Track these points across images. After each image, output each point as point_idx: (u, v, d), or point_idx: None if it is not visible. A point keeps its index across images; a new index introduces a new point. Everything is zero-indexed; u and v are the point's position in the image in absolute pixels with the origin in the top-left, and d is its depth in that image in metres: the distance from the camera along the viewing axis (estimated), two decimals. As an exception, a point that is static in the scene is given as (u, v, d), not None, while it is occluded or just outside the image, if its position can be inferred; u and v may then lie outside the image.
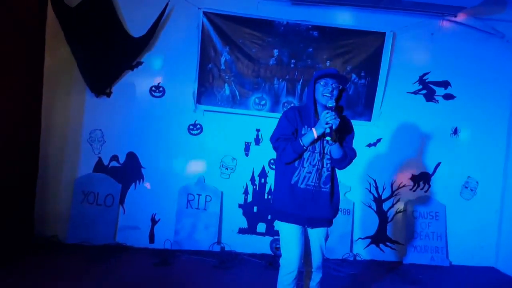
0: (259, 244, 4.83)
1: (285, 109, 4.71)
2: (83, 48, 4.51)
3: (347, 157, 2.78)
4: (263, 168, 4.90)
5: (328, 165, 2.79)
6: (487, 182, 5.10)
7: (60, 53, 4.57)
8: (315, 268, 2.92)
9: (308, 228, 2.85)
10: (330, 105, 2.63)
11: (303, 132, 2.73)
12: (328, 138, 2.59)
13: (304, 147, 2.68)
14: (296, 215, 2.77)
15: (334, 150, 2.71)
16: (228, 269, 4.27)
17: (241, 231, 4.91)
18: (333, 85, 2.71)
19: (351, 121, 2.95)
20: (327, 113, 2.57)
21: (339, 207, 2.93)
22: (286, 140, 2.73)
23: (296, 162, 2.75)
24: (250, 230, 4.91)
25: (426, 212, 5.02)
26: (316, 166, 2.75)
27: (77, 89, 4.67)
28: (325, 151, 2.77)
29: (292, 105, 4.75)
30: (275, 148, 2.80)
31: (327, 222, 2.87)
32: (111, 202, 4.74)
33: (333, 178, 2.83)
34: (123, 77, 4.72)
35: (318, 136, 2.65)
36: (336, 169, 2.87)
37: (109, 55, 4.57)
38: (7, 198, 3.91)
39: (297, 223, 2.78)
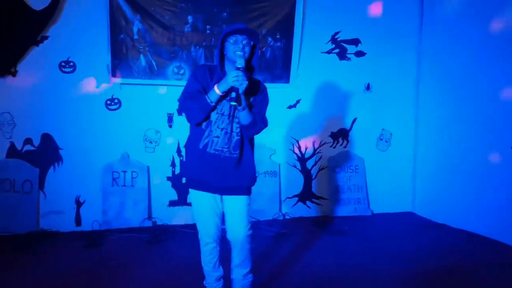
0: (191, 215, 4.82)
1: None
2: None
3: (256, 125, 2.57)
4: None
5: (238, 129, 2.58)
6: (400, 132, 5.47)
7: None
8: (236, 242, 2.67)
9: (223, 197, 2.66)
10: (239, 66, 2.41)
11: (210, 91, 2.51)
12: (232, 103, 2.40)
13: (212, 103, 2.46)
14: (206, 183, 2.59)
15: (241, 115, 2.49)
16: (161, 242, 4.24)
17: (172, 203, 4.88)
18: (243, 41, 2.50)
19: (268, 85, 2.74)
20: (235, 75, 2.36)
21: (256, 173, 2.71)
22: (192, 98, 2.50)
23: (204, 125, 2.55)
24: (181, 201, 4.89)
25: (347, 166, 5.29)
26: (225, 130, 2.54)
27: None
28: (236, 115, 2.54)
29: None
30: (181, 108, 2.58)
31: (243, 190, 2.65)
32: (30, 188, 4.49)
33: (243, 144, 2.62)
34: (28, 54, 4.40)
35: (222, 94, 2.46)
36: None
37: (10, 31, 4.22)
38: None
39: (209, 191, 2.61)
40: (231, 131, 2.56)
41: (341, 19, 5.13)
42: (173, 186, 4.88)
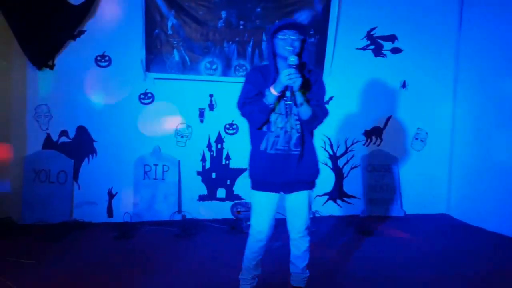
0: (220, 210, 4.85)
1: (237, 73, 4.71)
2: (20, 20, 4.25)
3: (317, 117, 2.57)
4: (219, 134, 4.87)
5: (298, 126, 2.58)
6: (437, 132, 5.32)
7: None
8: (298, 235, 2.74)
9: (286, 194, 2.70)
10: (291, 63, 2.39)
11: (266, 94, 2.50)
12: (289, 102, 2.43)
13: (271, 105, 2.47)
14: (268, 182, 2.64)
15: (301, 111, 2.51)
16: (190, 236, 4.27)
17: (201, 198, 4.90)
18: (293, 37, 2.48)
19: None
20: (288, 74, 2.36)
21: (318, 166, 2.74)
22: (251, 103, 2.53)
23: (265, 127, 2.58)
24: (210, 196, 4.92)
25: (380, 165, 5.18)
26: (284, 129, 2.56)
27: (17, 63, 4.43)
28: (292, 112, 2.55)
29: (244, 68, 4.71)
30: (243, 114, 2.61)
31: (306, 185, 2.70)
32: (65, 179, 4.60)
33: (303, 140, 2.63)
34: (65, 47, 4.51)
35: (279, 94, 2.45)
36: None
37: (48, 25, 4.34)
38: None
39: (271, 190, 2.65)
40: (291, 128, 2.57)
41: (377, 15, 5.01)
42: (203, 180, 4.90)
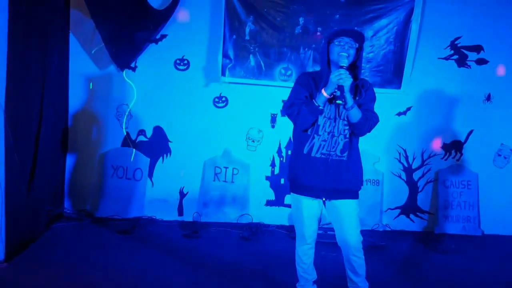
0: (286, 216, 4.82)
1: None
2: (107, 22, 4.46)
3: (367, 121, 2.54)
4: (290, 140, 4.84)
5: (346, 131, 2.57)
6: (522, 149, 4.95)
7: (85, 27, 4.54)
8: (350, 251, 2.66)
9: (327, 201, 2.65)
10: (342, 64, 2.42)
11: (317, 95, 2.51)
12: (338, 101, 2.44)
13: (320, 107, 2.47)
14: (310, 187, 2.61)
15: (351, 114, 2.48)
16: (256, 240, 4.30)
17: (269, 203, 4.90)
18: (348, 43, 2.50)
19: (378, 90, 2.79)
20: (338, 73, 2.37)
21: (363, 177, 2.71)
22: (300, 104, 2.51)
23: (309, 130, 2.57)
24: (278, 202, 4.91)
25: (458, 181, 4.92)
26: (332, 133, 2.55)
27: (103, 63, 4.66)
28: (341, 117, 2.55)
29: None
30: (289, 114, 2.58)
31: (350, 194, 2.64)
32: (140, 176, 4.79)
33: (351, 146, 2.60)
34: (147, 50, 4.68)
35: (330, 96, 2.46)
36: (357, 136, 2.63)
37: (133, 28, 4.52)
38: (37, 173, 3.94)
39: (312, 195, 2.63)
40: (338, 133, 2.56)
41: (463, 24, 4.75)
42: (271, 186, 4.90)
